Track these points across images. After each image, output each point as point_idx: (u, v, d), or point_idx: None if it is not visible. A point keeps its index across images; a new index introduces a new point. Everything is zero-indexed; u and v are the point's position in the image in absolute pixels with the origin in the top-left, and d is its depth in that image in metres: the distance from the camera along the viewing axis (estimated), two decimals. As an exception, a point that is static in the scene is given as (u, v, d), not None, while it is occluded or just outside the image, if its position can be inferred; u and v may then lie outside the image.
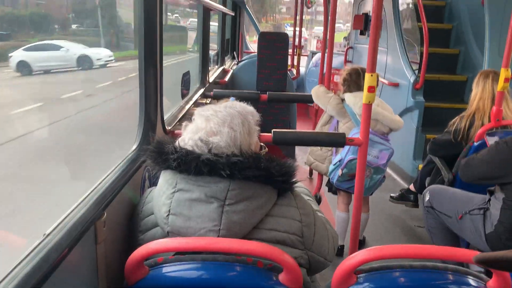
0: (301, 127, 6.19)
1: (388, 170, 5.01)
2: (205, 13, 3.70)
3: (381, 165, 2.87)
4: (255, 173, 1.24)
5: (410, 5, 5.41)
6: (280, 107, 4.87)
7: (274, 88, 4.48)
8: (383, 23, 5.58)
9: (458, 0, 5.66)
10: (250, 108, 1.41)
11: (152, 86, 1.88)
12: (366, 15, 6.38)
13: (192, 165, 1.23)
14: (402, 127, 3.08)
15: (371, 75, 2.08)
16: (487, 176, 2.45)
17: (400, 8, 5.36)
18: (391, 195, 4.03)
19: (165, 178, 1.32)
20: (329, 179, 3.16)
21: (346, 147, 2.87)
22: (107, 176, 1.48)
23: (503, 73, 2.79)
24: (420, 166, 4.06)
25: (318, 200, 3.93)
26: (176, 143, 1.31)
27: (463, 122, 3.01)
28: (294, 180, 1.36)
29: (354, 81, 3.08)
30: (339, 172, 2.90)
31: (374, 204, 3.30)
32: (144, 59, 1.85)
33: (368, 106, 2.14)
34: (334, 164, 2.98)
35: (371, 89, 2.08)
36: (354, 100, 3.00)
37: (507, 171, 2.33)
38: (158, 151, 1.32)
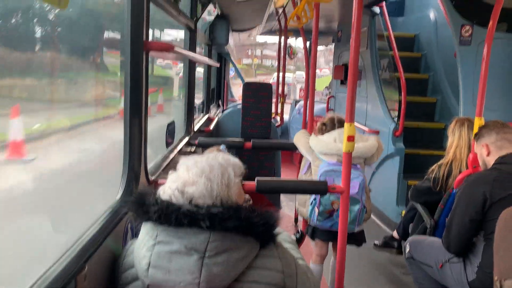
0: (286, 174, 6.22)
1: (372, 216, 5.01)
2: (191, 65, 3.80)
3: (354, 195, 2.75)
4: (236, 224, 1.23)
5: (388, 57, 5.64)
6: (265, 154, 4.91)
7: (258, 136, 4.53)
8: (362, 73, 5.78)
9: (433, 52, 5.93)
10: (233, 160, 1.40)
11: (136, 137, 1.89)
12: (345, 66, 6.62)
13: (173, 216, 1.22)
14: (371, 149, 2.90)
15: (350, 125, 2.07)
16: (471, 230, 2.37)
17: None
18: (375, 242, 4.01)
19: (146, 230, 1.30)
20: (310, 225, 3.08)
21: None
22: (89, 227, 1.46)
23: (477, 122, 2.90)
24: (403, 212, 4.09)
25: (300, 237, 3.79)
26: (157, 194, 1.31)
27: (441, 171, 3.08)
28: (276, 231, 1.34)
29: (328, 130, 3.08)
30: (316, 210, 2.84)
31: (358, 251, 3.28)
32: (129, 109, 1.86)
33: (348, 155, 2.13)
34: (311, 204, 2.91)
35: (351, 139, 2.08)
36: (311, 138, 3.03)
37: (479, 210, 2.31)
38: (139, 202, 1.31)
